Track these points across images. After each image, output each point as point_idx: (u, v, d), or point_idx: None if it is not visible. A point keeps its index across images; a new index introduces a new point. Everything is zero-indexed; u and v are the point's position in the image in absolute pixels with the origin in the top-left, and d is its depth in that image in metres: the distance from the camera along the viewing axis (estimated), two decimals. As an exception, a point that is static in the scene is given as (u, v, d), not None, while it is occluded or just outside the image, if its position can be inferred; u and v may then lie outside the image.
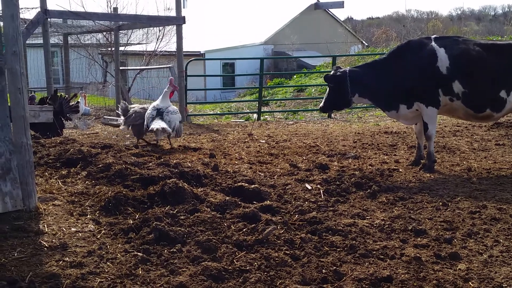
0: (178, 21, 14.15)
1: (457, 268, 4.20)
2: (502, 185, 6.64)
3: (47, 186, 5.68)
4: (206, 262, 4.05)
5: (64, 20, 18.21)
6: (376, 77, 7.40)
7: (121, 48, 21.40)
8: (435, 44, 7.27)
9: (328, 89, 7.71)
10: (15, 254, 4.05)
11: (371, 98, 7.62)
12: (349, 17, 67.46)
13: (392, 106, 7.45)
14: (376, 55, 18.48)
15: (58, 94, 11.05)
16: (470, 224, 5.19)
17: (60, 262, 3.94)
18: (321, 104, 7.83)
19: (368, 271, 4.06)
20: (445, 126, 11.04)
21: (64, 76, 20.02)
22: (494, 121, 8.49)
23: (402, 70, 7.28)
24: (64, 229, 4.56)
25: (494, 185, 6.63)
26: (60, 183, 5.84)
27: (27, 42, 15.37)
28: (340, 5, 37.82)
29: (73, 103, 11.09)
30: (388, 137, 10.15)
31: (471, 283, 3.93)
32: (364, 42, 38.94)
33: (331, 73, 7.61)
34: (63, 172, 6.28)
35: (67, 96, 11.58)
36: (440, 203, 5.81)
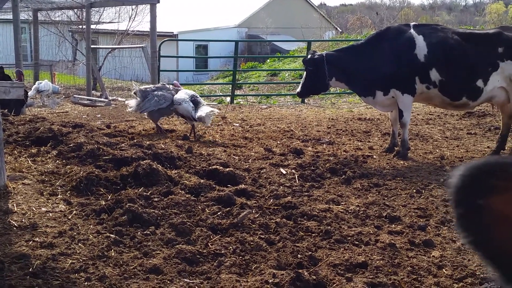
0: (152, 0, 13.93)
1: (431, 255, 4.23)
2: (474, 173, 6.69)
3: (16, 165, 5.53)
4: (180, 245, 4.00)
5: (34, -5, 17.78)
6: (353, 61, 7.36)
7: (93, 26, 20.99)
8: (414, 31, 7.26)
9: (305, 73, 7.64)
10: (-17, 234, 3.92)
11: (348, 83, 7.58)
12: (323, 3, 67.56)
13: (368, 92, 7.44)
14: (350, 41, 18.50)
15: None
16: (444, 211, 5.24)
17: (30, 242, 3.84)
18: (298, 89, 7.79)
19: (343, 256, 4.06)
20: (418, 114, 11.11)
21: (33, 53, 19.57)
22: (470, 109, 8.57)
23: (380, 56, 7.26)
24: (34, 209, 4.44)
25: (466, 173, 6.68)
26: (30, 162, 5.69)
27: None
28: (315, -10, 37.72)
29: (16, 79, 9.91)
30: (362, 124, 10.17)
31: (445, 270, 3.96)
32: (338, 28, 38.95)
33: (308, 56, 7.56)
34: (33, 151, 6.11)
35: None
36: (414, 190, 5.84)
